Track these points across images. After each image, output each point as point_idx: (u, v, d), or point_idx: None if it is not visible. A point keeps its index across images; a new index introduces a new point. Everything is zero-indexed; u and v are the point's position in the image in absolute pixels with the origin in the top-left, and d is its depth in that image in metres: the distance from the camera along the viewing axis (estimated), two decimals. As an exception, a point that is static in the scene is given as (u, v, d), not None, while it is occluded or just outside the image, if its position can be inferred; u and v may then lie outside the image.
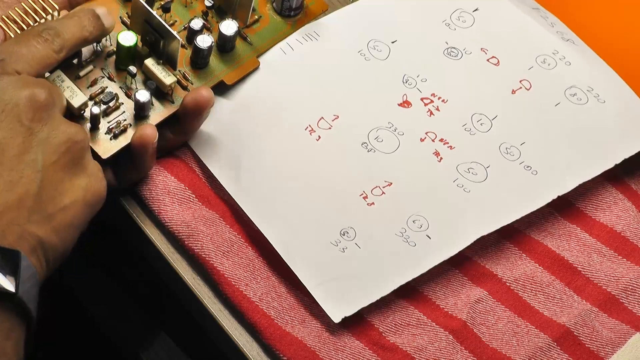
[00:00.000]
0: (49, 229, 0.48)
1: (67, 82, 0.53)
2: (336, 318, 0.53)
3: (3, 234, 0.46)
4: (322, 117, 0.57)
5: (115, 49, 0.56)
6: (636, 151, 0.56)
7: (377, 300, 0.54)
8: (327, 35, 0.59)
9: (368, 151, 0.56)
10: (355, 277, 0.53)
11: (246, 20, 0.58)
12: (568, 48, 0.59)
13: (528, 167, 0.56)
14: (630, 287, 0.55)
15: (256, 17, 0.59)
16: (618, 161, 0.56)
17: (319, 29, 0.59)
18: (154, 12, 0.53)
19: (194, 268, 0.55)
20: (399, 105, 0.57)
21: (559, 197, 0.55)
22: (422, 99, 0.57)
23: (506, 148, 0.56)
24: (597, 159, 0.56)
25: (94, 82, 0.55)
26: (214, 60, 0.57)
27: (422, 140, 0.56)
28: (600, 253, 0.56)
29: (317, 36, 0.59)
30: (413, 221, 0.54)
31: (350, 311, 0.53)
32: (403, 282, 0.53)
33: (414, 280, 0.55)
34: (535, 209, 0.55)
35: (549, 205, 0.56)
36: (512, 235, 0.57)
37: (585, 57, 0.59)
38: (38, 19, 0.54)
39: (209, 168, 0.57)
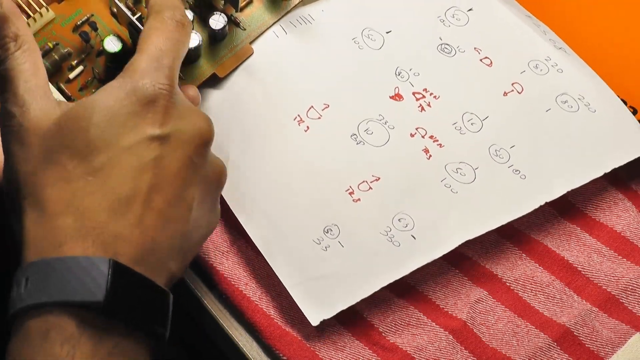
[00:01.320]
0: (182, 265, 0.47)
1: (55, 94, 0.52)
2: (314, 321, 0.52)
3: (153, 273, 0.44)
4: (312, 106, 0.56)
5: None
6: (625, 162, 0.56)
7: (377, 300, 0.54)
8: (321, 20, 0.58)
9: (357, 143, 0.55)
10: (335, 278, 0.53)
11: (237, 5, 0.56)
12: (560, 56, 0.59)
13: (517, 170, 0.55)
14: (630, 287, 0.55)
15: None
16: (607, 170, 0.55)
17: (313, 13, 0.59)
18: (135, 20, 0.52)
19: (194, 268, 0.55)
20: (391, 97, 0.57)
21: (559, 197, 0.55)
22: (414, 93, 0.57)
23: (496, 150, 0.56)
24: (586, 167, 0.56)
25: (85, 86, 0.54)
26: (205, 53, 0.56)
27: (412, 135, 0.56)
28: (600, 253, 0.56)
29: (311, 20, 0.58)
30: (399, 220, 0.54)
31: (328, 314, 0.52)
32: (384, 284, 0.53)
33: (413, 280, 0.55)
34: (521, 214, 0.54)
35: (549, 205, 0.56)
36: (512, 235, 0.57)
37: (576, 66, 0.59)
38: (25, 19, 0.54)
39: None
